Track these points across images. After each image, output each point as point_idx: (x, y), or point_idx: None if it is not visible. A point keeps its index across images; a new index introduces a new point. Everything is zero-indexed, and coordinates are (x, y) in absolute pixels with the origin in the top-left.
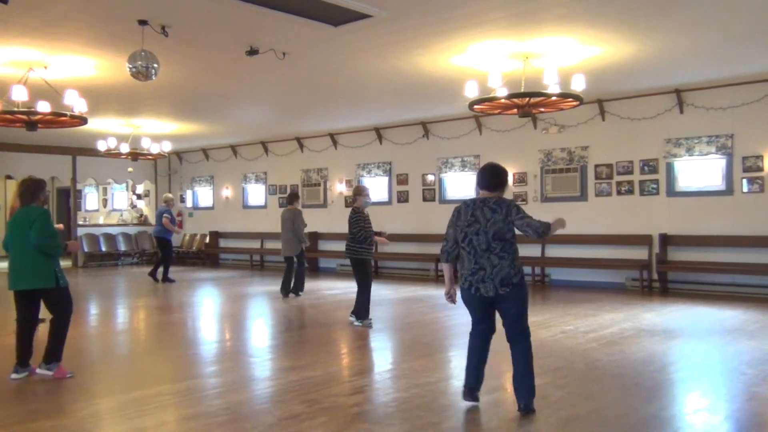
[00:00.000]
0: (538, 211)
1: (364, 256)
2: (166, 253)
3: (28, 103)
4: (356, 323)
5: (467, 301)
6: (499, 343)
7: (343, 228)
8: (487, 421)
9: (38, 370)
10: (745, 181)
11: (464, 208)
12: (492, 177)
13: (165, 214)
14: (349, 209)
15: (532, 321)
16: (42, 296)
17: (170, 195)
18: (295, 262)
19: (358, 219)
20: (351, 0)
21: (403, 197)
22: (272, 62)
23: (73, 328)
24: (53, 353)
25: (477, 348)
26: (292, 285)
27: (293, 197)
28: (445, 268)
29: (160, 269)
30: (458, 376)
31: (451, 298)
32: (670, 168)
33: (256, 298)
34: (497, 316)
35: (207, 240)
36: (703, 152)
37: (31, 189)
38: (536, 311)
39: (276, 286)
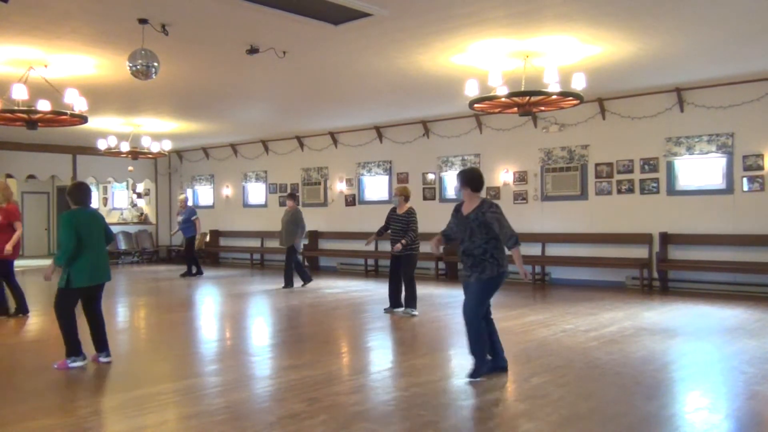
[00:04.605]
0: (538, 210)
1: (411, 252)
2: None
3: (29, 102)
4: (404, 312)
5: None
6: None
7: (343, 227)
8: (487, 420)
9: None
10: (745, 179)
11: None
12: None
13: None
14: (350, 208)
15: (531, 320)
16: None
17: (180, 197)
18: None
19: (413, 219)
20: None
21: None
22: (272, 61)
23: None
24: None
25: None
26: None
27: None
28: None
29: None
30: (459, 375)
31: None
32: (670, 167)
33: (256, 297)
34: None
35: (207, 239)
36: (703, 151)
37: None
38: (536, 310)
39: (275, 284)
